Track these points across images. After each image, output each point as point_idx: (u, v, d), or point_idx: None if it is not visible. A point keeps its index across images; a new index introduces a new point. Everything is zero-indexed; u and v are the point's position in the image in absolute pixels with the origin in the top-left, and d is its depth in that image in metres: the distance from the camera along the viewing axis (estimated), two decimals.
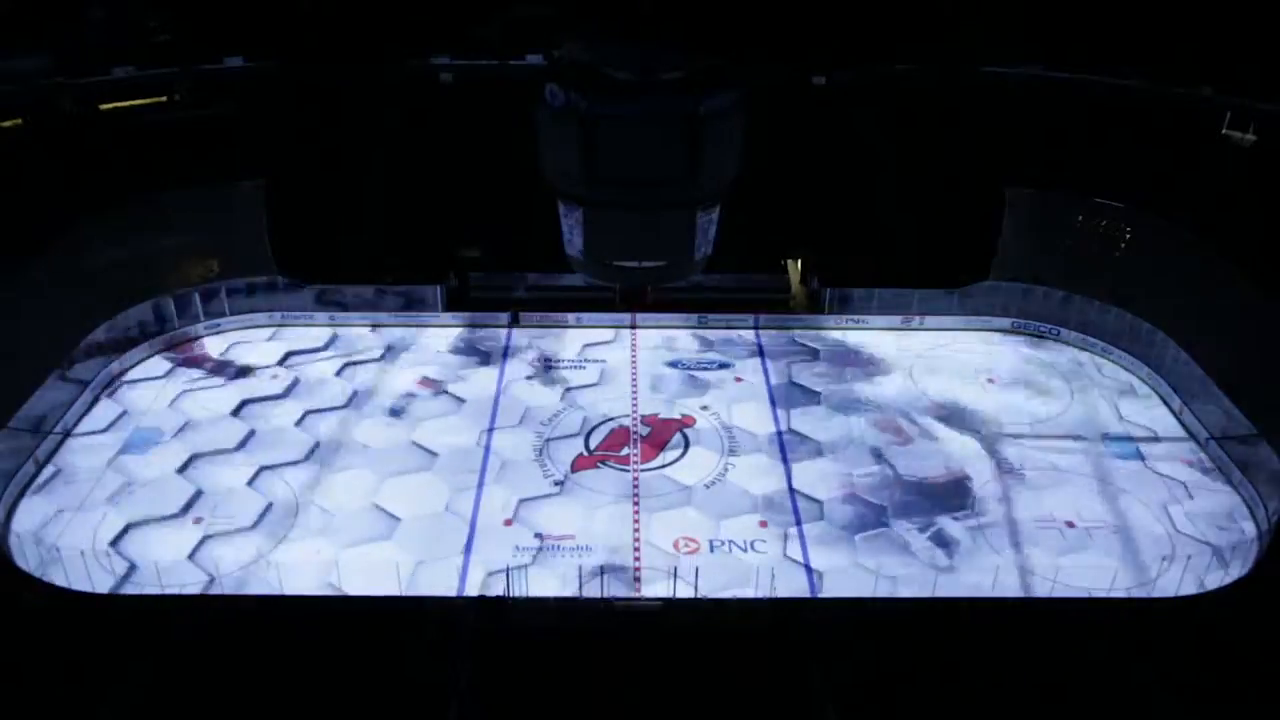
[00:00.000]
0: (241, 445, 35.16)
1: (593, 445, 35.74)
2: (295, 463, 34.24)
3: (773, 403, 38.24)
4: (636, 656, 23.18)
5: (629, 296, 43.76)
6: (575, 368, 40.68)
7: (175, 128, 41.61)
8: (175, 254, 41.39)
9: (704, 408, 37.92)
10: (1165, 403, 37.80)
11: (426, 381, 39.32)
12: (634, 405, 38.12)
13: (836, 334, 43.01)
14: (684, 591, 27.21)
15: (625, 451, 35.37)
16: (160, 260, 40.93)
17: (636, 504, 32.55)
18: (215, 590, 28.15)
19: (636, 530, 31.30)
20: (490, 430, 36.18)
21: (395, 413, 37.24)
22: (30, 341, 34.52)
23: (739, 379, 40.05)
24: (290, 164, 41.42)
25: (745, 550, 30.46)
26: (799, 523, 31.56)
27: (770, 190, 38.69)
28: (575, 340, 42.74)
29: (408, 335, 42.76)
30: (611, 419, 37.18)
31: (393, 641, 23.48)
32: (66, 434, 34.96)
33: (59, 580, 27.89)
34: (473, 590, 28.43)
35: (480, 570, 29.36)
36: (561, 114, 29.37)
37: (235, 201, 41.27)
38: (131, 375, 39.20)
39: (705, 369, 40.67)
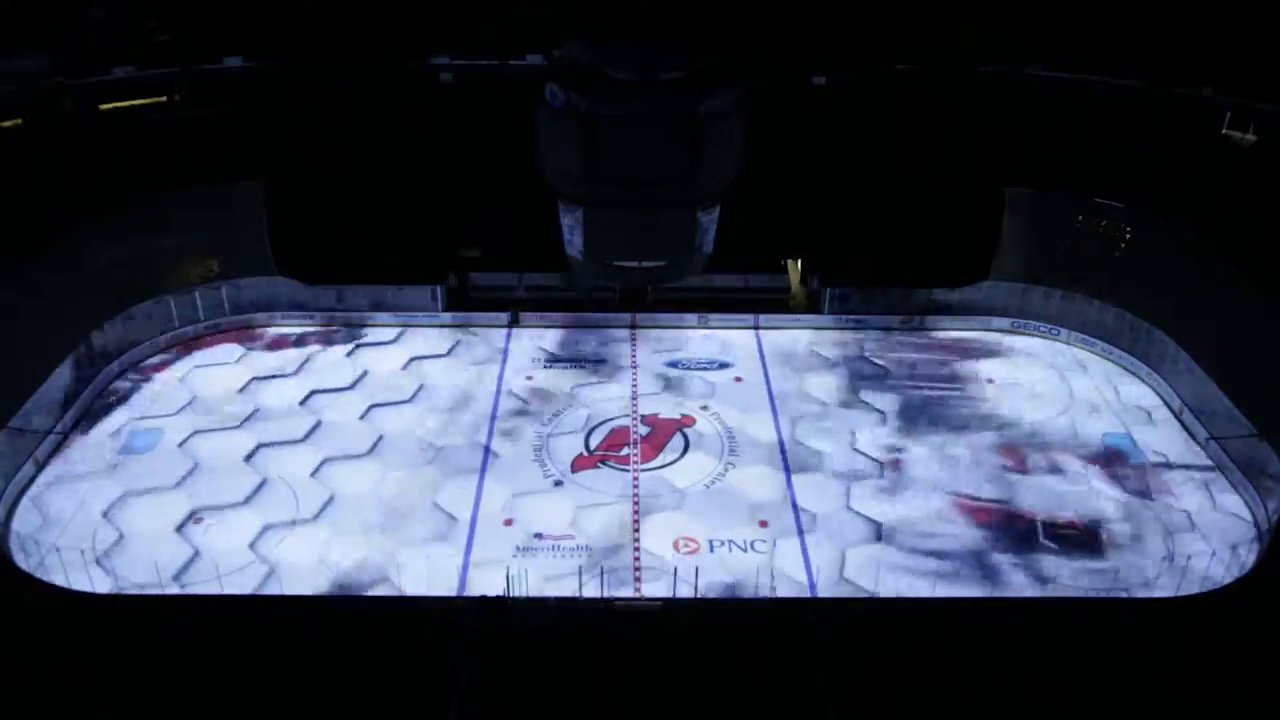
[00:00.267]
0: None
1: (593, 445, 35.74)
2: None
3: (772, 402, 38.27)
4: (636, 656, 23.18)
5: (629, 296, 43.78)
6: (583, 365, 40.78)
7: (175, 128, 41.62)
8: (175, 254, 41.42)
9: (704, 407, 37.93)
10: (1165, 403, 37.80)
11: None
12: (634, 405, 38.13)
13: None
14: (684, 591, 27.22)
15: (625, 451, 35.37)
16: (160, 260, 40.96)
17: (636, 504, 32.56)
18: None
19: (636, 530, 31.31)
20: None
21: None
22: (30, 342, 34.50)
23: (739, 379, 40.06)
24: (290, 164, 41.43)
25: (745, 550, 30.48)
26: (799, 522, 31.67)
27: (770, 190, 38.72)
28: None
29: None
30: (611, 419, 37.22)
31: (393, 641, 23.48)
32: (70, 430, 34.97)
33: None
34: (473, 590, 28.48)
35: (480, 570, 29.43)
36: (561, 114, 29.41)
37: (235, 201, 41.29)
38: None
39: (705, 369, 40.68)
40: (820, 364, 40.90)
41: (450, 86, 43.15)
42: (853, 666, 22.75)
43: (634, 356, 41.64)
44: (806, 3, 41.80)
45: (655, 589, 28.44)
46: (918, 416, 37.11)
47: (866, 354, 41.43)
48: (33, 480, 32.85)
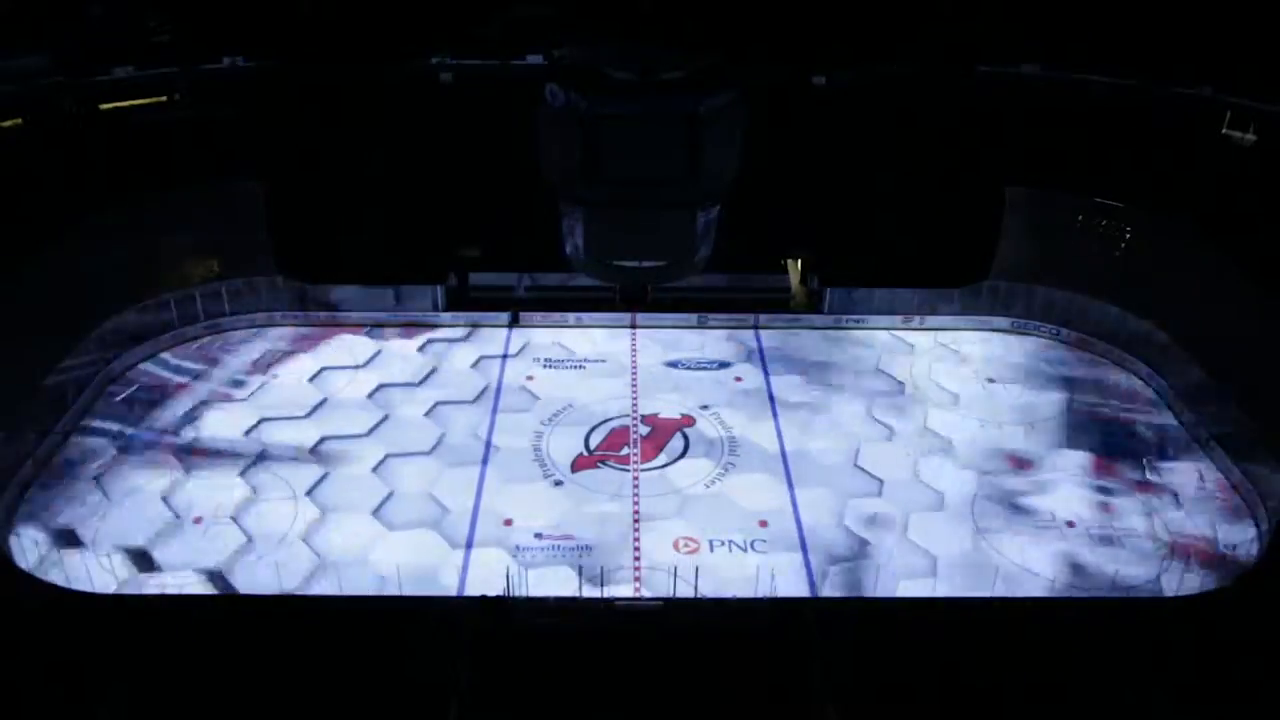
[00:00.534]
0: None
1: (593, 445, 35.74)
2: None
3: (772, 401, 38.27)
4: (636, 656, 23.17)
5: (629, 296, 43.76)
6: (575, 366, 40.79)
7: (175, 128, 41.59)
8: (175, 254, 41.40)
9: (704, 407, 37.92)
10: (1165, 403, 37.79)
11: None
12: (634, 405, 38.12)
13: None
14: (684, 591, 27.23)
15: (625, 451, 35.36)
16: (160, 260, 40.93)
17: (636, 504, 32.56)
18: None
19: (636, 530, 31.31)
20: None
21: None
22: (29, 342, 34.45)
23: (738, 379, 40.05)
24: (290, 164, 41.41)
25: (745, 550, 30.48)
26: (796, 513, 31.67)
27: (770, 190, 38.69)
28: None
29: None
30: (611, 419, 37.22)
31: (393, 641, 23.47)
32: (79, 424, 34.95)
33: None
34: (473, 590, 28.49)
35: (479, 570, 29.43)
36: (561, 114, 29.40)
37: (235, 201, 41.25)
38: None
39: (705, 369, 40.67)
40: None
41: (450, 86, 43.11)
42: (853, 666, 22.75)
43: (634, 356, 41.64)
44: (806, 3, 41.76)
45: (655, 589, 28.44)
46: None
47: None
48: (32, 480, 32.87)
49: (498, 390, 39.10)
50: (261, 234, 41.47)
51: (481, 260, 45.03)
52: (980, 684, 22.24)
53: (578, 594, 27.31)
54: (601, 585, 27.68)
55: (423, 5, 42.46)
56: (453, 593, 28.62)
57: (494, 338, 42.88)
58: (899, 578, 29.09)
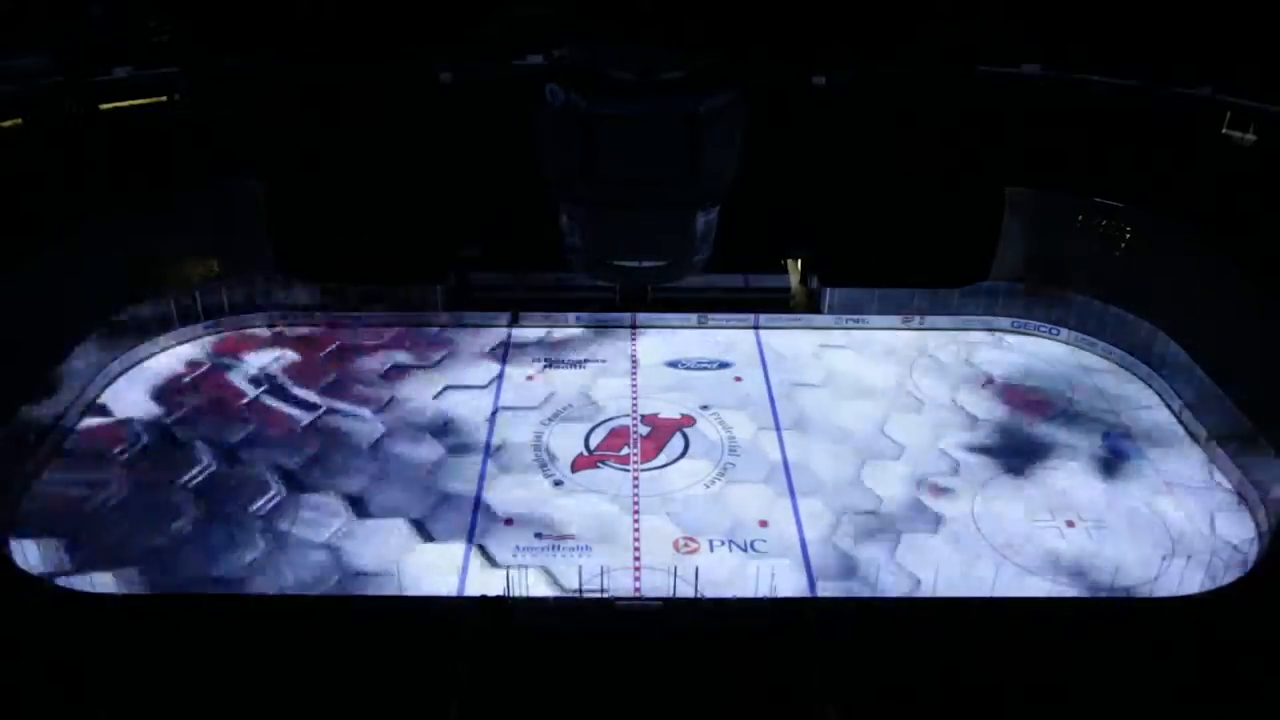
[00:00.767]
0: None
1: (593, 445, 35.74)
2: None
3: (772, 401, 38.28)
4: (636, 656, 23.18)
5: (629, 296, 43.77)
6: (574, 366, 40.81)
7: (175, 128, 41.60)
8: (175, 254, 41.40)
9: (704, 407, 37.93)
10: (1165, 403, 37.80)
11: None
12: (634, 405, 38.13)
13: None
14: (684, 591, 27.23)
15: (625, 451, 35.37)
16: (160, 260, 40.93)
17: (636, 504, 32.56)
18: None
19: (636, 530, 31.31)
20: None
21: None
22: (29, 341, 34.44)
23: (738, 379, 40.06)
24: (290, 164, 41.42)
25: (745, 550, 30.49)
26: (796, 513, 31.73)
27: (770, 190, 38.70)
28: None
29: None
30: (611, 418, 37.23)
31: (393, 641, 23.48)
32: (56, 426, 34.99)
33: None
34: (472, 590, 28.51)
35: (479, 569, 29.44)
36: (561, 114, 29.40)
37: (235, 201, 41.26)
38: None
39: (705, 369, 40.68)
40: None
41: (450, 86, 43.12)
42: (853, 666, 22.76)
43: (634, 356, 41.64)
44: (806, 3, 41.80)
45: (655, 589, 28.45)
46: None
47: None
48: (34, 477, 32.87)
49: (498, 390, 39.09)
50: (261, 234, 41.50)
51: (481, 260, 45.04)
52: (980, 684, 22.25)
53: (578, 594, 27.31)
54: (602, 585, 27.70)
55: (423, 5, 42.50)
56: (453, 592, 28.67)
57: (494, 337, 42.89)
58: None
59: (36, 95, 40.30)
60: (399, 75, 42.69)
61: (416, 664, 22.67)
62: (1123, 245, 39.94)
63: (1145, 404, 38.04)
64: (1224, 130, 38.83)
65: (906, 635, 24.04)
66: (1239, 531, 31.16)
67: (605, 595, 26.98)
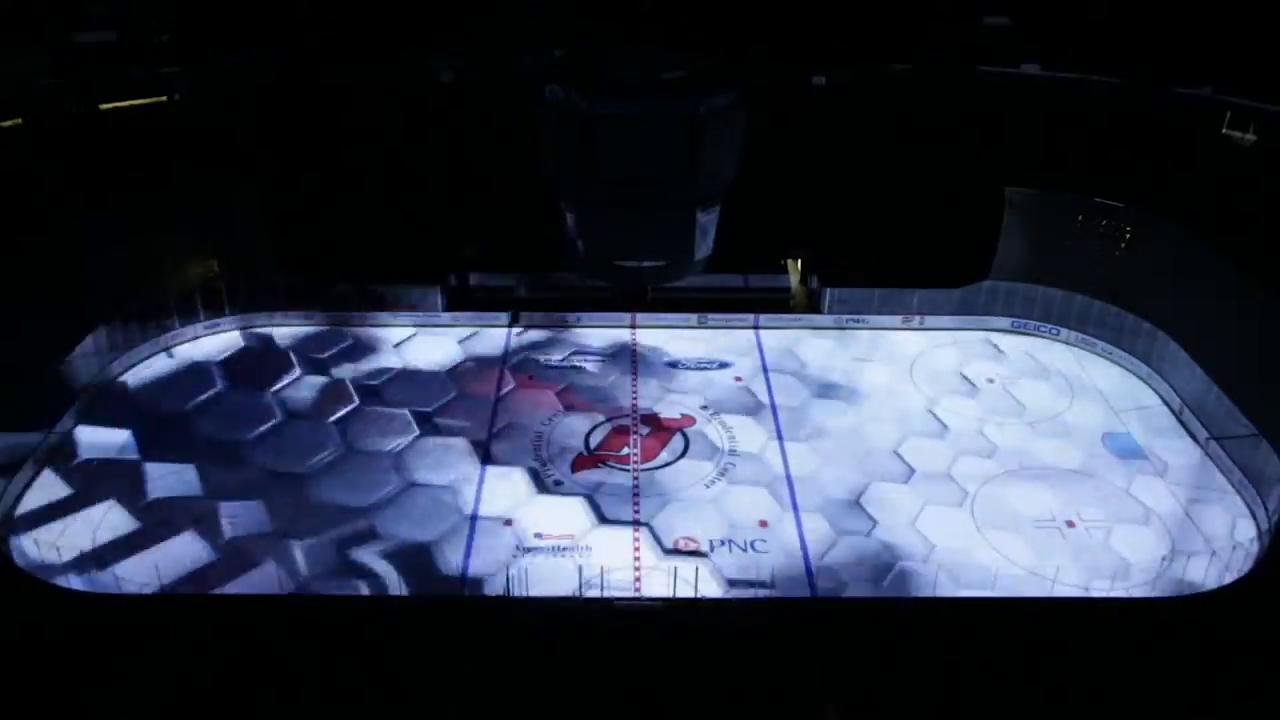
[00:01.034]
0: None
1: (593, 445, 35.74)
2: None
3: (772, 401, 38.28)
4: (636, 656, 23.18)
5: (629, 296, 43.76)
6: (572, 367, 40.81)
7: (175, 128, 41.58)
8: (175, 254, 41.38)
9: (704, 407, 37.92)
10: (1165, 403, 37.80)
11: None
12: (634, 405, 38.12)
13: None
14: (684, 591, 27.23)
15: (625, 451, 35.36)
16: (160, 260, 40.91)
17: (636, 503, 32.56)
18: None
19: (636, 530, 31.31)
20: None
21: None
22: (29, 341, 34.43)
23: (738, 379, 40.06)
24: (290, 164, 41.38)
25: (745, 550, 30.49)
26: (796, 514, 31.71)
27: (770, 190, 38.68)
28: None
29: None
30: (611, 419, 37.23)
31: (393, 641, 23.47)
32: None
33: None
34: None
35: (479, 569, 29.44)
36: (561, 114, 29.42)
37: (235, 201, 41.22)
38: None
39: (705, 368, 40.67)
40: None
41: (450, 86, 43.11)
42: (853, 666, 22.75)
43: (634, 356, 41.64)
44: (806, 3, 41.77)
45: (655, 589, 28.44)
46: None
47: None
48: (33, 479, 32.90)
49: (497, 390, 39.10)
50: (261, 233, 41.50)
51: (481, 260, 45.01)
52: (980, 684, 22.24)
53: (578, 594, 27.30)
54: (602, 585, 27.67)
55: (423, 5, 42.47)
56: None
57: (494, 336, 42.88)
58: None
59: (36, 95, 40.27)
60: (399, 75, 42.67)
61: (416, 664, 22.66)
62: (1123, 245, 39.93)
63: (1145, 404, 38.05)
64: (1224, 130, 38.82)
65: (906, 635, 24.03)
66: (1239, 531, 31.16)
67: (605, 595, 26.98)
